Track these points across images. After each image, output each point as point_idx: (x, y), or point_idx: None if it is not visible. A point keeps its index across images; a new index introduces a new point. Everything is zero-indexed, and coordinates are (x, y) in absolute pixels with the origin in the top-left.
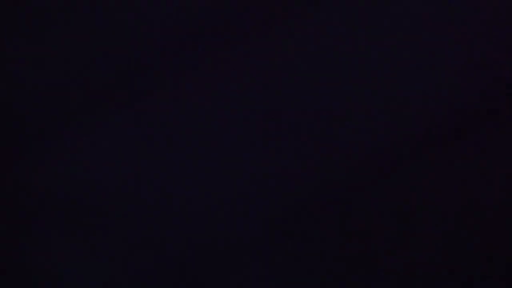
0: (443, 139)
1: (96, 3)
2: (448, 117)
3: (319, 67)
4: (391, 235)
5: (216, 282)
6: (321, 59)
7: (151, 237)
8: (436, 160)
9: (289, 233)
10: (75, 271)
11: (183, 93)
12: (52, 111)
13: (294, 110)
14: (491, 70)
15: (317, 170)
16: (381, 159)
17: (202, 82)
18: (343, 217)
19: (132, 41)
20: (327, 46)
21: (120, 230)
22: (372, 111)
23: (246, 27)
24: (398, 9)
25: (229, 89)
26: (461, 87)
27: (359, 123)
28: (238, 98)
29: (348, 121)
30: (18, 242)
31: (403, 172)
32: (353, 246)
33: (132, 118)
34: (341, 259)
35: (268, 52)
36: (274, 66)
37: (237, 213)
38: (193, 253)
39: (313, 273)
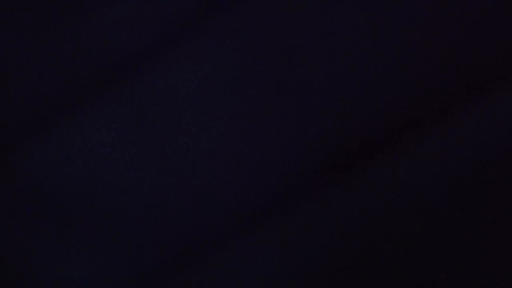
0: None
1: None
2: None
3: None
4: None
5: (212, 274)
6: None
7: (146, 229)
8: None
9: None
10: (67, 266)
11: (176, 83)
12: (43, 109)
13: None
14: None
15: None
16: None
17: (192, 69)
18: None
19: (120, 32)
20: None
21: (116, 223)
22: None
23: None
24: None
25: (219, 72)
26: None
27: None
28: (228, 82)
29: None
30: (12, 237)
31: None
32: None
33: (126, 113)
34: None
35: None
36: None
37: (233, 201)
38: (190, 244)
39: (307, 260)
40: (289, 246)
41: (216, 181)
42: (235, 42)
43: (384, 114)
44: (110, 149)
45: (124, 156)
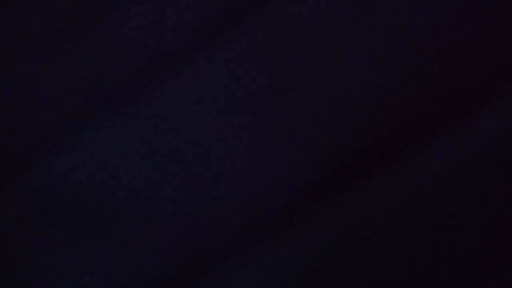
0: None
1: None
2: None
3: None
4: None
5: (218, 278)
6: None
7: (154, 235)
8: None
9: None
10: (77, 272)
11: (181, 93)
12: (54, 114)
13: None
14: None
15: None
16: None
17: (197, 80)
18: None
19: (131, 43)
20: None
21: (124, 229)
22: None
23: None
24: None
25: (224, 84)
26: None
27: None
28: (235, 93)
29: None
30: (23, 243)
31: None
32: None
33: (133, 119)
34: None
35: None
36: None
37: (238, 208)
38: (195, 250)
39: (311, 269)
40: (295, 255)
41: (225, 191)
42: (245, 53)
43: (388, 119)
44: (121, 155)
45: (135, 163)
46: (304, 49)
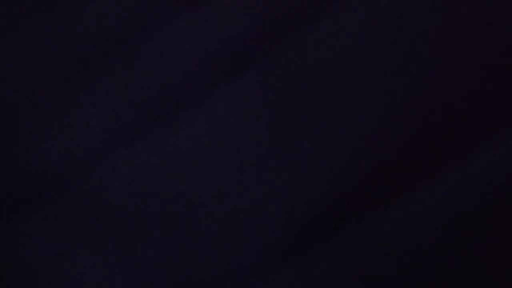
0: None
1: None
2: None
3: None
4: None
5: None
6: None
7: (170, 249)
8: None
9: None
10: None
11: (210, 113)
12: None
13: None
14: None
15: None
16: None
17: (228, 101)
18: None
19: (148, 75)
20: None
21: (133, 241)
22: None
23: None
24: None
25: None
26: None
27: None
28: (258, 111)
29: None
30: (26, 245)
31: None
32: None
33: (166, 137)
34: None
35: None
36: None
37: (262, 224)
38: (219, 265)
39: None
40: (309, 279)
41: (235, 224)
42: (257, 90)
43: (392, 154)
44: (150, 171)
45: (159, 180)
46: (312, 86)
